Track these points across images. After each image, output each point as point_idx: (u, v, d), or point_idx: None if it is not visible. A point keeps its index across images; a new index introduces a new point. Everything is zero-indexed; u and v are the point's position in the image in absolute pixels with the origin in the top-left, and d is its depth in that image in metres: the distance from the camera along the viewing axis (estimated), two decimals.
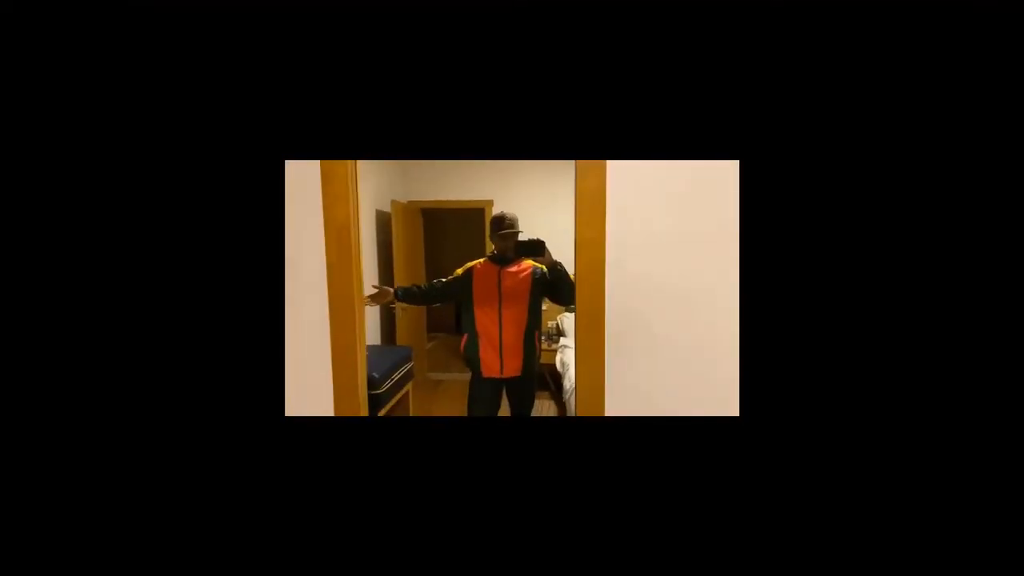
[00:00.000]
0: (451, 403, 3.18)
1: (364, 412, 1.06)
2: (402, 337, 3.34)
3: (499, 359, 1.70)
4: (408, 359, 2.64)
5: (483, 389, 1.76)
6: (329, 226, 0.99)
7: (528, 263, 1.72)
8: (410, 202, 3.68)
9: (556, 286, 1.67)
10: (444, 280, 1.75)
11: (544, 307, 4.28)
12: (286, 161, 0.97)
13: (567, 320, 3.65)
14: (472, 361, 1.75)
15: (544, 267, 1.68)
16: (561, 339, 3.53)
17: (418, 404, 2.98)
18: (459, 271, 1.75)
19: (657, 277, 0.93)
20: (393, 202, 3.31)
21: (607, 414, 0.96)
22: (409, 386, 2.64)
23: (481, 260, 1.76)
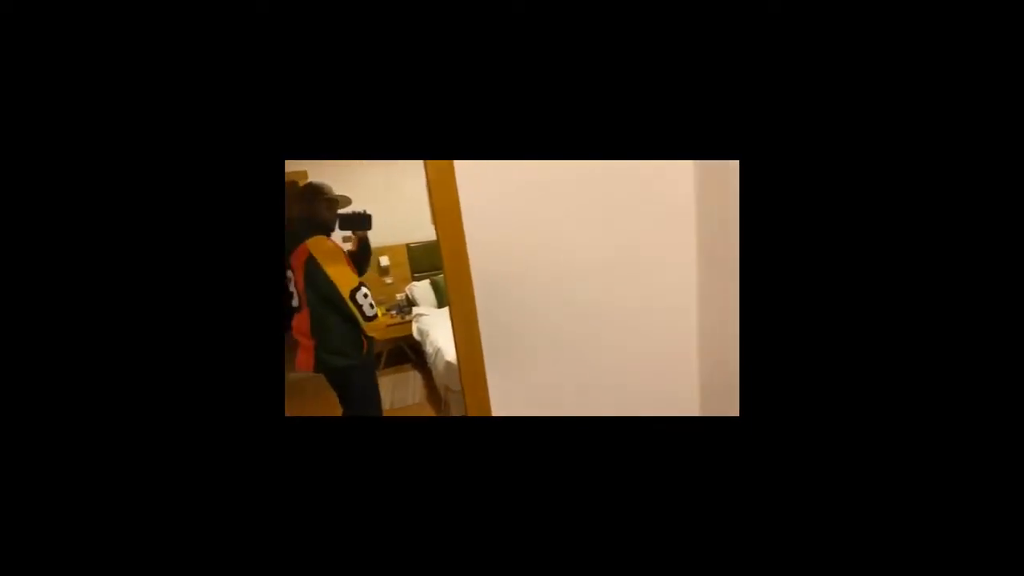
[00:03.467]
0: (314, 402, 2.89)
1: None
2: None
3: None
4: None
5: (367, 367, 1.66)
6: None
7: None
8: None
9: (363, 255, 1.68)
10: (357, 281, 1.54)
11: (389, 280, 4.15)
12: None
13: (416, 289, 3.65)
14: (359, 346, 1.57)
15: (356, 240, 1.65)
16: (414, 309, 3.53)
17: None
18: (342, 261, 1.51)
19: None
20: None
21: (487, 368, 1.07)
22: None
23: (321, 238, 1.53)
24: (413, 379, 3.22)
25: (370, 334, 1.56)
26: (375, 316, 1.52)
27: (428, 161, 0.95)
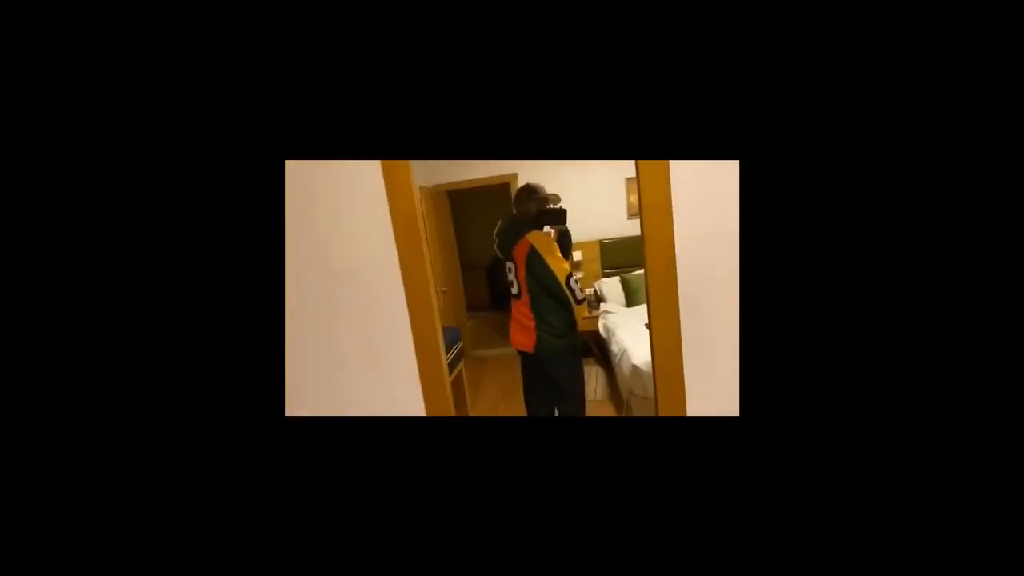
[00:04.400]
0: (501, 377, 3.29)
1: (449, 397, 1.12)
2: (446, 319, 3.43)
3: None
4: (458, 339, 2.73)
5: (577, 349, 1.81)
6: (396, 217, 1.02)
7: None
8: (436, 186, 3.69)
9: (565, 248, 1.78)
10: (568, 273, 1.68)
11: (580, 274, 4.27)
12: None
13: (605, 285, 3.64)
14: (574, 327, 1.73)
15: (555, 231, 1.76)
16: (602, 305, 3.54)
17: (471, 382, 3.09)
18: (555, 248, 1.67)
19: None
20: (420, 187, 3.33)
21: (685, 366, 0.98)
22: (461, 365, 2.74)
23: (538, 232, 1.69)
24: (596, 374, 3.25)
25: (578, 317, 1.73)
26: (584, 300, 1.70)
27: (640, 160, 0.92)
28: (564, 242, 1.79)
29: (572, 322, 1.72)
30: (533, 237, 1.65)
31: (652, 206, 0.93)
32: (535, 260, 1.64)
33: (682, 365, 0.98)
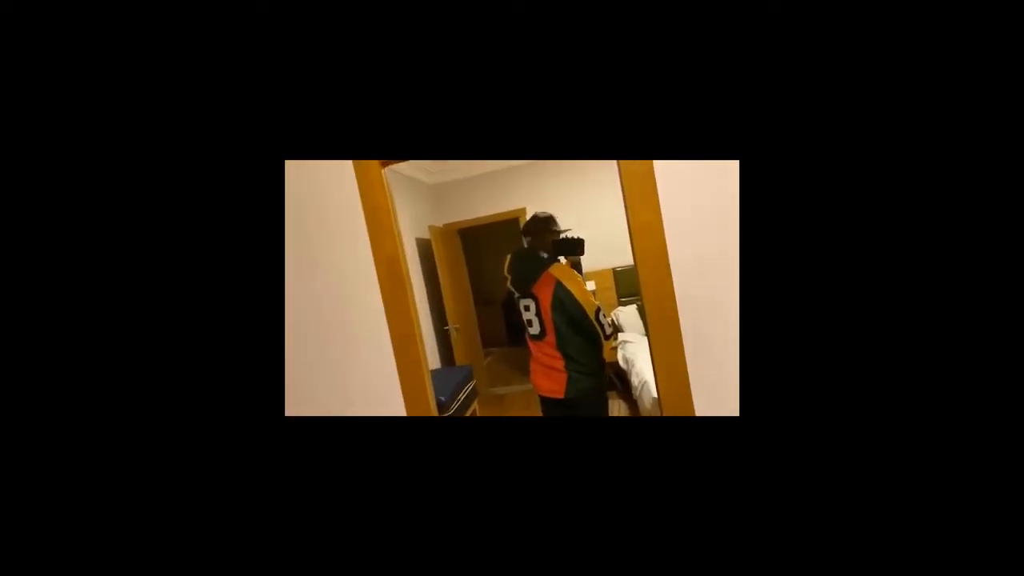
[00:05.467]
0: (522, 413, 3.16)
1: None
2: (460, 356, 3.37)
3: None
4: (470, 377, 2.66)
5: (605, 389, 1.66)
6: (379, 259, 1.00)
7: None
8: (446, 225, 3.76)
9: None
10: (596, 307, 1.53)
11: (599, 303, 4.14)
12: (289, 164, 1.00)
13: (623, 314, 3.52)
14: (602, 366, 1.59)
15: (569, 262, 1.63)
16: (620, 335, 3.41)
17: None
18: (583, 283, 1.53)
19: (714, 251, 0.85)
20: (431, 227, 3.38)
21: (697, 414, 0.88)
22: (475, 403, 2.65)
23: (561, 264, 1.57)
24: (617, 408, 3.08)
25: (605, 353, 1.58)
26: (612, 334, 1.55)
27: (625, 174, 0.87)
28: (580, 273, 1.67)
29: (602, 360, 1.57)
30: (558, 271, 1.51)
31: (641, 227, 0.87)
32: (563, 295, 1.48)
33: (690, 394, 0.89)
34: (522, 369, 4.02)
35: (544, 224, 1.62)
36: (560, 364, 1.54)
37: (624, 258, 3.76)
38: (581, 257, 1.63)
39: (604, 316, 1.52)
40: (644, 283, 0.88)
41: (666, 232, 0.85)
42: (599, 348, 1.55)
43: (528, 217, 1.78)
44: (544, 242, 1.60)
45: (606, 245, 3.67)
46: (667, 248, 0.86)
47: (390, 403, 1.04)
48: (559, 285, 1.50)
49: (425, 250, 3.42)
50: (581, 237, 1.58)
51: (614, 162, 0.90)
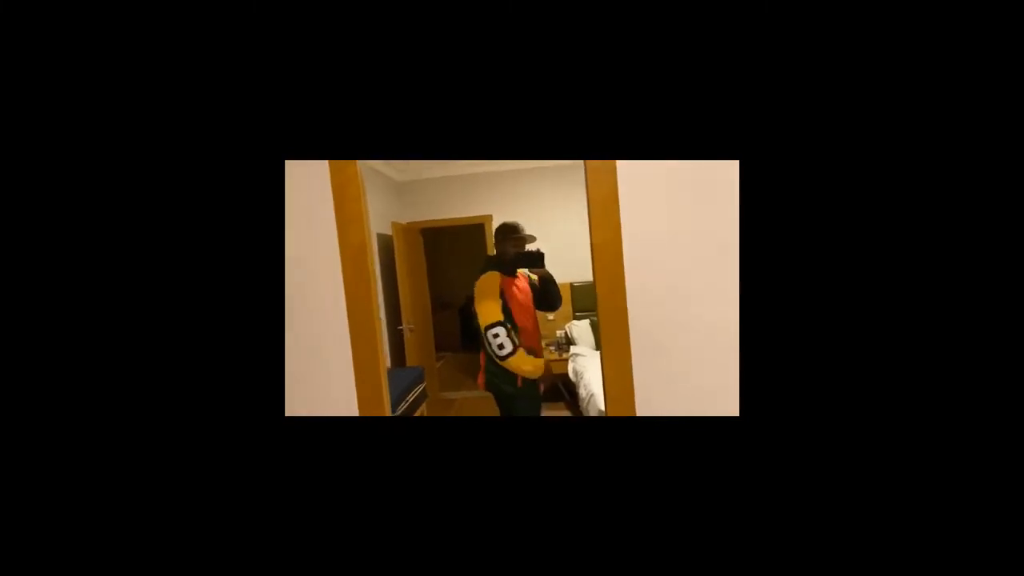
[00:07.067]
0: None
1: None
2: (411, 358, 3.32)
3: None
4: (420, 379, 2.62)
5: (535, 405, 1.71)
6: (345, 249, 0.99)
7: (521, 272, 1.70)
8: (410, 223, 3.71)
9: (549, 292, 1.70)
10: (500, 318, 1.55)
11: (551, 317, 4.25)
12: (287, 166, 0.98)
13: (576, 328, 3.63)
14: (534, 383, 1.65)
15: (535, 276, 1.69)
16: (572, 348, 3.51)
17: None
18: (491, 297, 1.57)
19: (671, 276, 0.93)
20: (394, 223, 3.33)
21: (638, 414, 0.95)
22: (424, 406, 2.62)
23: (495, 274, 1.64)
24: None
25: (512, 370, 1.56)
26: (505, 356, 1.51)
27: (591, 183, 0.93)
28: (547, 288, 1.67)
29: (511, 373, 1.57)
30: (482, 279, 1.59)
31: (602, 245, 0.93)
32: (472, 302, 1.62)
33: (634, 404, 0.95)
34: (473, 375, 4.01)
35: (503, 232, 1.67)
36: (482, 360, 1.69)
37: (584, 274, 3.90)
38: (546, 271, 1.67)
39: (496, 336, 1.50)
40: (600, 296, 0.93)
41: (624, 249, 0.92)
42: (494, 361, 1.55)
43: (495, 225, 1.82)
44: (505, 251, 1.64)
45: (568, 260, 3.79)
46: (623, 260, 0.92)
47: (341, 399, 1.02)
48: (473, 291, 1.60)
49: (386, 246, 3.35)
50: (541, 251, 1.62)
51: (582, 182, 0.96)
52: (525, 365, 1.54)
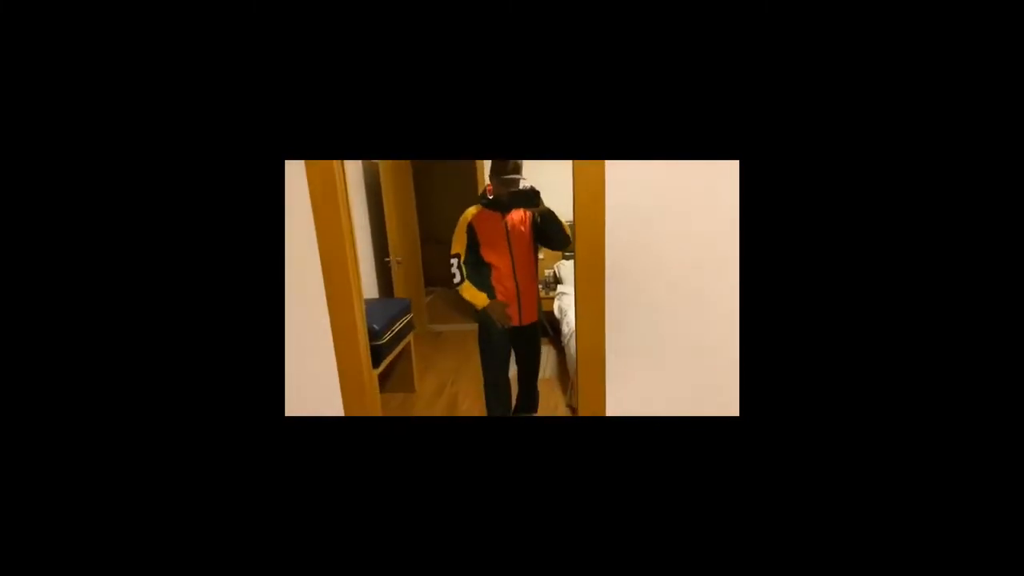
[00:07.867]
0: (455, 353, 3.27)
1: (367, 362, 1.08)
2: (399, 290, 3.36)
3: (517, 309, 1.70)
4: (407, 311, 2.68)
5: (500, 340, 1.77)
6: (312, 175, 0.95)
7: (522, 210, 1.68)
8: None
9: (548, 231, 1.65)
10: (460, 251, 1.67)
11: (540, 256, 4.25)
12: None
13: (564, 268, 3.66)
14: (487, 314, 1.71)
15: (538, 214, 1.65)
16: (559, 286, 3.56)
17: (420, 356, 3.06)
18: (459, 231, 1.66)
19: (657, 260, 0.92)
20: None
21: (607, 366, 0.99)
22: (410, 337, 2.70)
23: (474, 209, 1.67)
24: (547, 353, 3.29)
25: (464, 298, 1.70)
26: (456, 284, 1.67)
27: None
28: (546, 226, 1.65)
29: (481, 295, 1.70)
30: (467, 212, 1.67)
31: (584, 206, 0.91)
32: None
33: (604, 369, 0.99)
34: (462, 310, 4.10)
35: (498, 168, 1.63)
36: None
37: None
38: (545, 207, 1.63)
39: (451, 265, 1.66)
40: (579, 235, 0.93)
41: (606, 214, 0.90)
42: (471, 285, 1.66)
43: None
44: (504, 188, 1.61)
45: (557, 200, 3.70)
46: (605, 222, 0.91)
47: (315, 332, 1.04)
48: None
49: (373, 178, 3.23)
50: (535, 189, 1.57)
51: None
52: (467, 294, 1.69)
